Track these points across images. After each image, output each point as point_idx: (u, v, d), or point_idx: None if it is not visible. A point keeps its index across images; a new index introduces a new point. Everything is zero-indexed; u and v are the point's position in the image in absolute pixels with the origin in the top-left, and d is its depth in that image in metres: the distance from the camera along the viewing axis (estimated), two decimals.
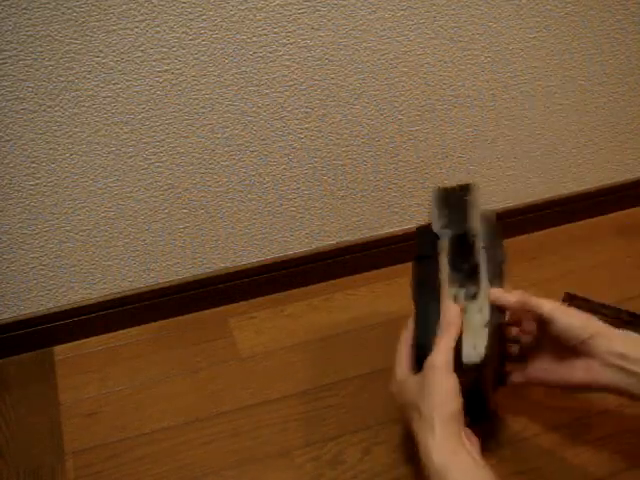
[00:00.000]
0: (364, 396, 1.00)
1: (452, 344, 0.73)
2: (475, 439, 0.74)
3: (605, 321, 0.76)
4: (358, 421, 0.96)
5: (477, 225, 0.84)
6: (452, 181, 1.17)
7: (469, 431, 0.74)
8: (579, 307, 0.80)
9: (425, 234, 0.85)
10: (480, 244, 0.83)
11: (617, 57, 1.14)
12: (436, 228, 0.84)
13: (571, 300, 0.85)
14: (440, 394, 0.71)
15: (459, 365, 0.73)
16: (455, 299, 0.79)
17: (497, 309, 0.79)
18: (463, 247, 0.82)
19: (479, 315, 0.77)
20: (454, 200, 0.86)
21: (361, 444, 0.94)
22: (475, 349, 0.75)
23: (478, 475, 0.67)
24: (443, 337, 0.74)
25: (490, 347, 0.76)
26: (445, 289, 0.79)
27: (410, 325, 0.81)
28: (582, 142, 1.22)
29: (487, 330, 0.76)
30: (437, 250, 0.83)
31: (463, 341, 0.76)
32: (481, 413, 0.85)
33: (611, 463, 0.89)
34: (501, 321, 0.79)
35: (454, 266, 0.81)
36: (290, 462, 0.92)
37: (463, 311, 0.78)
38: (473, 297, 0.79)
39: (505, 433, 0.94)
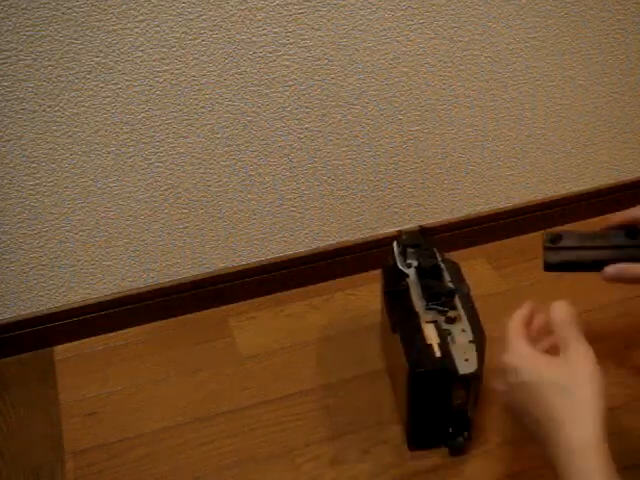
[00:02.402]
0: (364, 396, 1.00)
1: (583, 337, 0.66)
2: None
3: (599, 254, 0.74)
4: (358, 421, 0.96)
5: (440, 259, 0.94)
6: (448, 185, 1.17)
7: None
8: (568, 247, 0.76)
9: (392, 272, 0.95)
10: (447, 275, 0.93)
11: (617, 57, 1.14)
12: (402, 265, 0.95)
13: (555, 242, 0.78)
14: (599, 384, 0.62)
15: None
16: (436, 325, 0.87)
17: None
18: (432, 279, 0.91)
19: (464, 334, 0.85)
20: (415, 241, 0.97)
21: (361, 444, 0.94)
22: (468, 361, 0.83)
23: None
24: (573, 332, 0.66)
25: (480, 361, 0.83)
26: (423, 318, 0.88)
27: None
28: (582, 142, 1.22)
29: (474, 346, 0.84)
30: (406, 285, 0.92)
31: (454, 357, 0.83)
32: (464, 428, 0.90)
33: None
34: None
35: (429, 296, 0.89)
36: (290, 462, 0.92)
37: (448, 333, 0.86)
38: (453, 321, 0.87)
39: (505, 433, 0.94)
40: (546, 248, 0.76)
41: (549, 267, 0.76)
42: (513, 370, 0.65)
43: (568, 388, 0.62)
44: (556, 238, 0.76)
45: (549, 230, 0.77)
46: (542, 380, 0.64)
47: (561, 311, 0.66)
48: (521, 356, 0.66)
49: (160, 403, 1.00)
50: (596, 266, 0.72)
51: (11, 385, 1.04)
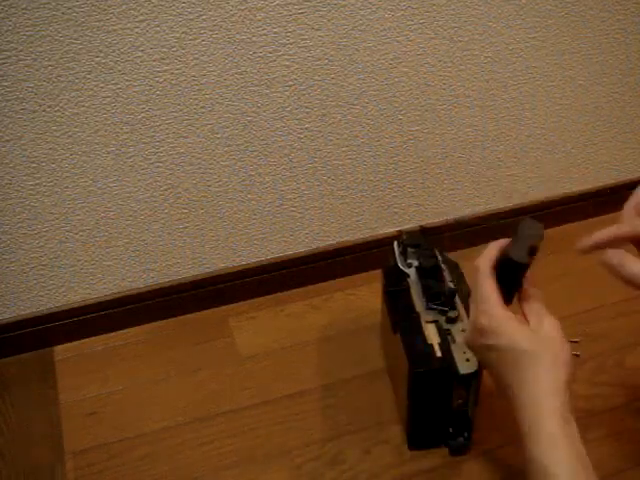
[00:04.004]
0: (364, 396, 1.00)
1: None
2: None
3: None
4: (358, 421, 0.96)
5: (440, 259, 0.94)
6: (448, 185, 1.17)
7: None
8: None
9: (392, 272, 0.95)
10: (448, 275, 0.92)
11: (617, 57, 1.14)
12: (402, 265, 0.95)
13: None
14: (566, 352, 0.66)
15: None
16: (437, 325, 0.87)
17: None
18: (432, 279, 0.91)
19: (464, 334, 0.84)
20: (416, 241, 0.97)
21: (361, 444, 0.94)
22: (469, 361, 0.82)
23: (583, 455, 0.63)
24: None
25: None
26: (423, 318, 0.88)
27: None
28: (582, 142, 1.22)
29: None
30: (406, 285, 0.92)
31: (455, 357, 0.83)
32: (464, 428, 0.90)
33: (611, 463, 0.89)
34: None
35: (429, 296, 0.89)
36: (290, 462, 0.92)
37: (449, 333, 0.86)
38: (454, 321, 0.87)
39: (505, 433, 0.94)
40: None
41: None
42: (489, 332, 0.67)
43: (540, 356, 0.65)
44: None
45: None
46: (515, 346, 0.66)
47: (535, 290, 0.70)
48: (497, 319, 0.67)
49: (160, 403, 1.00)
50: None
51: (11, 385, 1.04)
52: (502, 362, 0.67)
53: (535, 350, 0.65)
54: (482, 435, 0.93)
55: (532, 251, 0.69)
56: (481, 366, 0.81)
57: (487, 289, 0.69)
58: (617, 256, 0.66)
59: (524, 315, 0.70)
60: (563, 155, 1.23)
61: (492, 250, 0.72)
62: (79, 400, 1.01)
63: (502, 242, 0.73)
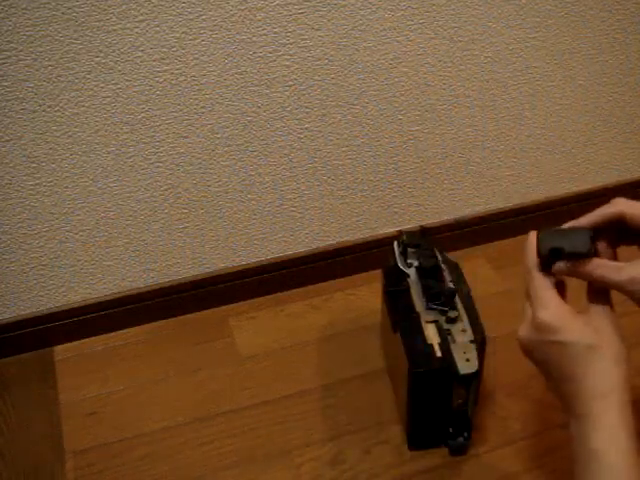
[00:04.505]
0: (364, 396, 1.00)
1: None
2: None
3: None
4: (358, 421, 0.96)
5: (440, 259, 0.94)
6: (448, 185, 1.17)
7: None
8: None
9: (392, 272, 0.96)
10: (448, 275, 0.93)
11: (617, 57, 1.14)
12: (402, 265, 0.95)
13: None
14: (622, 347, 0.65)
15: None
16: (437, 325, 0.87)
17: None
18: (433, 279, 0.91)
19: (464, 334, 0.85)
20: (416, 241, 0.97)
21: (361, 444, 0.94)
22: (469, 361, 0.83)
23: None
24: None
25: (480, 361, 0.83)
26: (423, 318, 0.88)
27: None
28: (582, 142, 1.22)
29: (474, 346, 0.84)
30: (406, 285, 0.92)
31: (455, 357, 0.83)
32: (464, 428, 0.90)
33: None
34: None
35: (429, 296, 0.89)
36: (290, 462, 0.92)
37: (449, 333, 0.86)
38: (454, 321, 0.87)
39: (505, 433, 0.94)
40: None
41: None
42: (550, 328, 0.66)
43: (603, 352, 0.64)
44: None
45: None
46: (580, 341, 0.65)
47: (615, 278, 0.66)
48: (559, 315, 0.66)
49: (160, 403, 1.00)
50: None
51: (11, 385, 1.04)
52: (565, 356, 0.66)
53: (599, 345, 0.65)
54: (482, 435, 0.94)
55: (592, 240, 0.68)
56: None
57: (542, 284, 0.68)
58: (597, 270, 0.66)
59: (588, 309, 0.69)
60: (563, 155, 1.23)
61: (533, 244, 0.71)
62: (79, 400, 1.01)
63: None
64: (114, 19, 0.85)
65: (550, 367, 0.69)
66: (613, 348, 0.65)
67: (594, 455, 0.63)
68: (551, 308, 0.66)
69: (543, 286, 0.68)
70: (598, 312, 0.68)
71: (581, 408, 0.65)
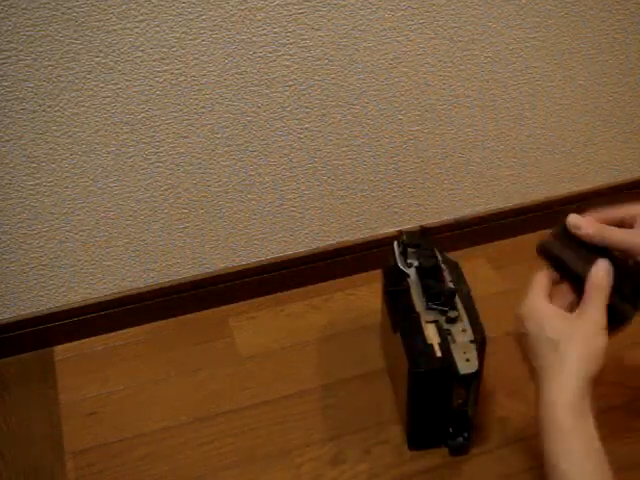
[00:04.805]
0: (364, 396, 1.00)
1: (604, 306, 0.66)
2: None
3: None
4: (358, 421, 0.96)
5: (440, 259, 0.94)
6: (448, 185, 1.17)
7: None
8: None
9: (392, 272, 0.95)
10: (448, 275, 0.92)
11: (617, 57, 1.14)
12: (402, 265, 0.95)
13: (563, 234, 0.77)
14: (594, 348, 0.64)
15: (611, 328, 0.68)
16: (437, 325, 0.87)
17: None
18: (433, 279, 0.91)
19: (464, 334, 0.85)
20: (416, 241, 0.97)
21: (361, 444, 0.94)
22: (469, 361, 0.82)
23: (599, 452, 0.63)
24: (597, 298, 0.67)
25: (480, 361, 0.83)
26: (423, 318, 0.88)
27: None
28: (582, 142, 1.22)
29: (474, 346, 0.83)
30: (406, 285, 0.92)
31: (455, 357, 0.83)
32: (464, 428, 0.90)
33: (611, 463, 0.89)
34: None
35: (429, 296, 0.89)
36: (290, 462, 0.92)
37: (449, 333, 0.86)
38: (454, 321, 0.87)
39: (505, 433, 0.94)
40: (553, 234, 0.74)
41: (541, 251, 0.74)
42: (520, 320, 0.68)
43: (560, 346, 0.65)
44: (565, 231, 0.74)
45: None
46: (540, 333, 0.66)
47: (597, 276, 0.67)
48: (531, 308, 0.68)
49: (160, 403, 1.00)
50: (576, 281, 0.70)
51: (11, 385, 1.04)
52: (531, 349, 0.68)
53: (559, 341, 0.65)
54: (482, 435, 0.94)
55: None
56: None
57: (534, 281, 0.70)
58: (592, 226, 0.68)
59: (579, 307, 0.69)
60: (563, 155, 1.23)
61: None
62: (79, 400, 1.01)
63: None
64: (114, 19, 0.85)
65: (525, 360, 0.70)
66: (576, 346, 0.65)
67: (548, 461, 0.63)
68: (527, 300, 0.69)
69: (533, 282, 0.70)
70: (584, 310, 0.67)
71: (537, 411, 0.66)
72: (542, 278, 0.71)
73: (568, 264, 0.70)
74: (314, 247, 1.17)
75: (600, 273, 0.67)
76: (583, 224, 0.69)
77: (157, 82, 0.92)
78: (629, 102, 1.20)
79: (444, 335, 0.86)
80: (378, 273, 0.99)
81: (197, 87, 0.94)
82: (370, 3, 0.95)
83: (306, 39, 0.95)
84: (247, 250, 1.13)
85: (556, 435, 0.63)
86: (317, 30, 0.94)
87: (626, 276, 0.68)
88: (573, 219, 0.70)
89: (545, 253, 0.72)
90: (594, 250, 0.69)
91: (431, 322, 0.87)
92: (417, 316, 0.88)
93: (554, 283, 0.71)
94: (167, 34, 0.88)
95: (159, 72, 0.91)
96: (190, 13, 0.88)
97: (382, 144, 1.09)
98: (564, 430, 0.62)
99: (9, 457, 0.94)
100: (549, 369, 0.65)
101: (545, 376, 0.65)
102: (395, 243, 0.97)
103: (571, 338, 0.65)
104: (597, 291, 0.66)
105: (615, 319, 0.68)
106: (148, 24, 0.87)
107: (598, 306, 0.66)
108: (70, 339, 1.10)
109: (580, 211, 0.72)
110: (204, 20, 0.89)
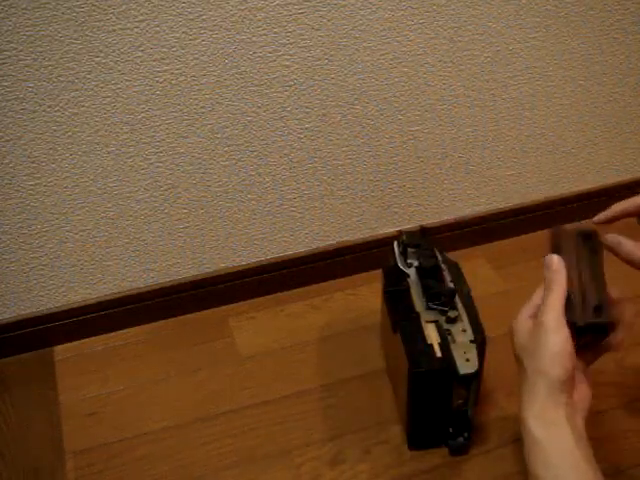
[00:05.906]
0: (364, 396, 1.00)
1: (561, 300, 0.67)
2: (586, 395, 0.68)
3: None
4: (358, 421, 0.96)
5: (440, 259, 0.94)
6: (448, 185, 1.17)
7: (584, 387, 0.68)
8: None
9: (392, 272, 0.96)
10: (448, 275, 0.93)
11: (617, 57, 1.14)
12: (402, 265, 0.95)
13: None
14: (546, 357, 0.64)
15: (571, 326, 0.67)
16: (437, 325, 0.87)
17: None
18: (433, 279, 0.91)
19: (464, 334, 0.85)
20: (416, 241, 0.97)
21: (361, 444, 0.94)
22: (469, 361, 0.82)
23: (574, 455, 0.63)
24: (551, 293, 0.67)
25: (480, 361, 0.83)
26: (423, 318, 0.88)
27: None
28: (582, 142, 1.22)
29: (474, 346, 0.83)
30: (406, 285, 0.92)
31: (455, 357, 0.83)
32: (464, 428, 0.90)
33: (611, 463, 0.89)
34: None
35: (429, 296, 0.89)
36: (290, 462, 0.92)
37: (449, 333, 0.86)
38: (454, 320, 0.87)
39: (505, 433, 0.94)
40: (577, 231, 0.76)
41: (553, 235, 0.75)
42: (510, 332, 0.70)
43: (524, 361, 0.67)
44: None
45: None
46: (514, 350, 0.69)
47: (553, 261, 0.70)
48: (517, 320, 0.70)
49: (160, 403, 1.00)
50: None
51: (11, 385, 1.04)
52: (515, 354, 0.69)
53: (522, 356, 0.67)
54: (482, 435, 0.94)
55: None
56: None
57: (532, 298, 0.71)
58: (615, 238, 0.72)
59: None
60: (563, 155, 1.23)
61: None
62: (79, 400, 1.01)
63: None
64: (114, 19, 0.85)
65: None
66: (537, 358, 0.65)
67: (528, 470, 0.64)
68: (518, 315, 0.70)
69: (527, 304, 0.71)
70: (545, 303, 0.68)
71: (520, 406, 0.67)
72: (535, 296, 0.71)
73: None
74: (314, 247, 1.17)
75: (554, 258, 0.69)
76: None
77: (157, 82, 0.92)
78: (629, 102, 1.20)
79: (444, 335, 0.86)
80: (378, 273, 0.99)
81: (197, 87, 0.94)
82: (370, 3, 0.95)
83: (306, 39, 0.95)
84: (247, 250, 1.13)
85: (531, 446, 0.64)
86: (317, 30, 0.94)
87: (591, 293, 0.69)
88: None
89: (555, 238, 0.74)
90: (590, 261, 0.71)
91: (431, 322, 0.87)
92: (417, 316, 0.88)
93: None
94: (167, 34, 0.88)
95: (159, 72, 0.91)
96: (190, 13, 0.88)
97: (382, 144, 1.09)
98: (537, 441, 0.64)
99: (9, 457, 0.95)
100: (521, 384, 0.67)
101: (519, 391, 0.67)
102: (395, 243, 0.97)
103: (530, 352, 0.66)
104: (555, 273, 0.68)
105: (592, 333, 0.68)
106: (148, 24, 0.87)
107: (553, 301, 0.67)
108: (70, 339, 1.10)
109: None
110: (204, 20, 0.89)
